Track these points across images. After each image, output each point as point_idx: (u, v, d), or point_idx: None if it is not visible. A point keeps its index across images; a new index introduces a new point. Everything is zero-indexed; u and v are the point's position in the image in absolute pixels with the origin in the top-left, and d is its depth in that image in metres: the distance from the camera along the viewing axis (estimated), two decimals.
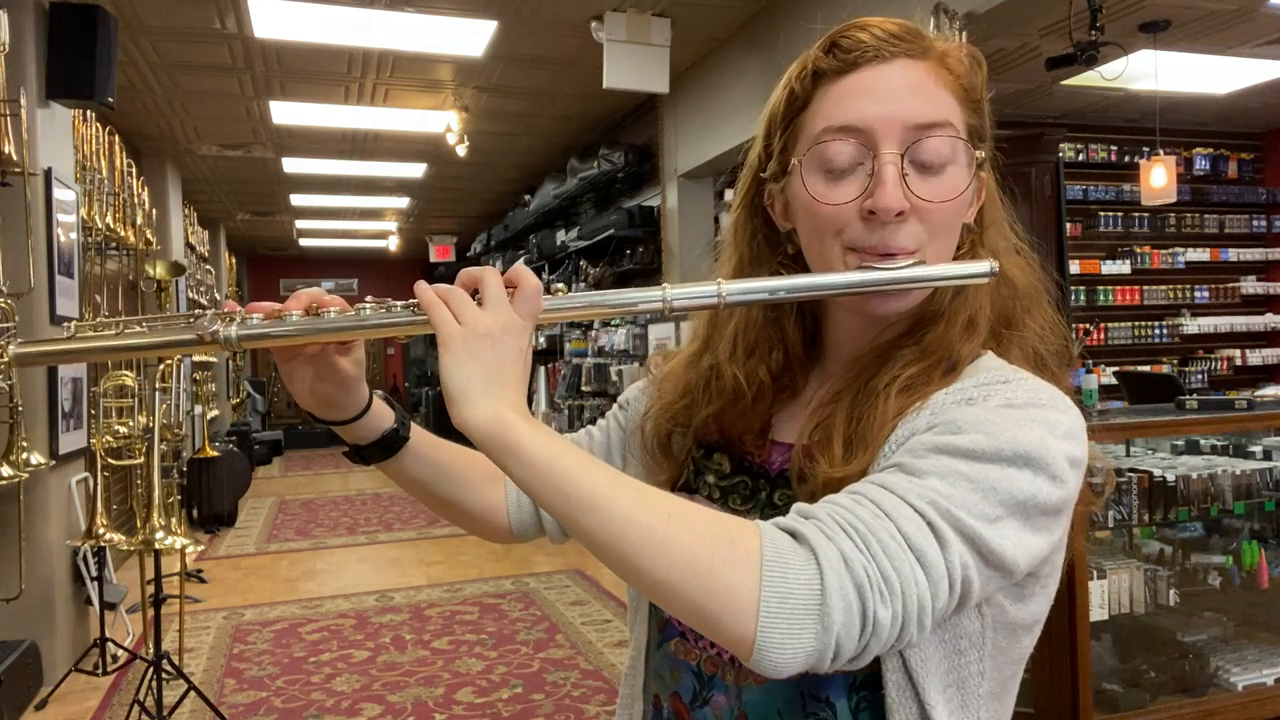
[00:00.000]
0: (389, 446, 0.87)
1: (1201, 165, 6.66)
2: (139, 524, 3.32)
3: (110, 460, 4.13)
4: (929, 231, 0.73)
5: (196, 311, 0.71)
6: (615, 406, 0.99)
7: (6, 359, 0.73)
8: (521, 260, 8.67)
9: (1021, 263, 0.82)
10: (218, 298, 9.85)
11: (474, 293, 0.70)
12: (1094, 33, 3.50)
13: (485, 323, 0.67)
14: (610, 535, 0.60)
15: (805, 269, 0.79)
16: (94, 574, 4.06)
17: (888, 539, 0.59)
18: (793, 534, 0.60)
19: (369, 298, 0.73)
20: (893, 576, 0.58)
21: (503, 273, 0.71)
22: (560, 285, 0.74)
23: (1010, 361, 0.77)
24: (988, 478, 0.63)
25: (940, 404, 0.71)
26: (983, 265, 0.72)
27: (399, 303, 0.72)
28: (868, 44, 0.73)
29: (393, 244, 12.39)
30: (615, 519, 0.60)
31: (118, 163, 5.09)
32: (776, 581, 0.57)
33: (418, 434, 0.90)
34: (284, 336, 0.71)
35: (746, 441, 0.83)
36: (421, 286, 0.70)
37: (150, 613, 3.29)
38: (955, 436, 0.65)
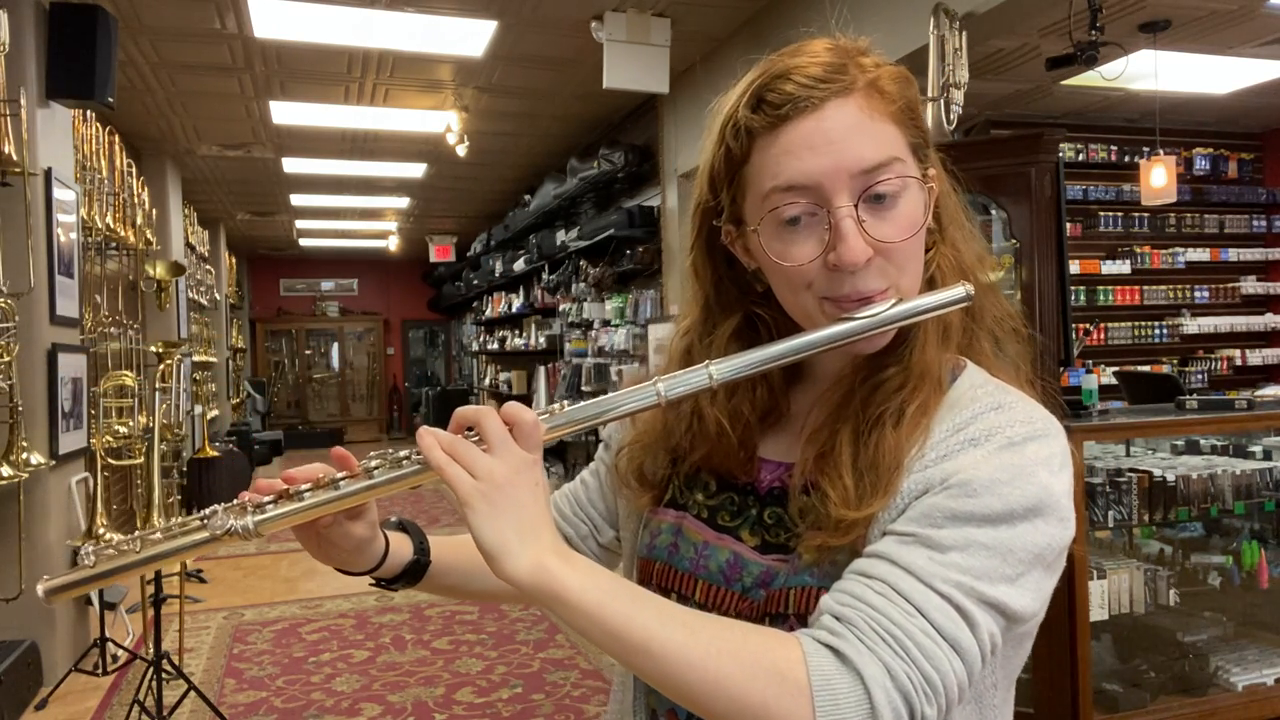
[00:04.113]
0: (413, 576, 0.90)
1: (1201, 165, 6.65)
2: (139, 524, 3.32)
3: (110, 460, 4.13)
4: (897, 267, 0.73)
5: (208, 511, 0.71)
6: (600, 446, 0.99)
7: (41, 589, 0.75)
8: (522, 260, 8.68)
9: (980, 250, 0.83)
10: (217, 298, 9.84)
11: (469, 428, 0.69)
12: (1094, 33, 3.50)
13: (500, 471, 0.66)
14: (667, 678, 0.63)
15: (779, 308, 0.80)
16: None
17: (923, 639, 0.63)
18: (834, 651, 0.63)
19: (373, 454, 0.73)
20: (934, 676, 0.62)
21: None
22: (554, 405, 0.72)
23: (978, 354, 0.80)
24: (1004, 541, 0.66)
25: (945, 446, 0.72)
26: (958, 291, 0.73)
27: (405, 453, 0.71)
28: (795, 95, 0.71)
29: (393, 244, 12.38)
30: (669, 662, 0.62)
31: (118, 163, 5.09)
32: (829, 709, 0.60)
33: (437, 548, 0.91)
34: (300, 514, 0.72)
35: (735, 471, 0.83)
36: (428, 443, 0.68)
37: (150, 613, 3.29)
38: (970, 501, 0.67)
